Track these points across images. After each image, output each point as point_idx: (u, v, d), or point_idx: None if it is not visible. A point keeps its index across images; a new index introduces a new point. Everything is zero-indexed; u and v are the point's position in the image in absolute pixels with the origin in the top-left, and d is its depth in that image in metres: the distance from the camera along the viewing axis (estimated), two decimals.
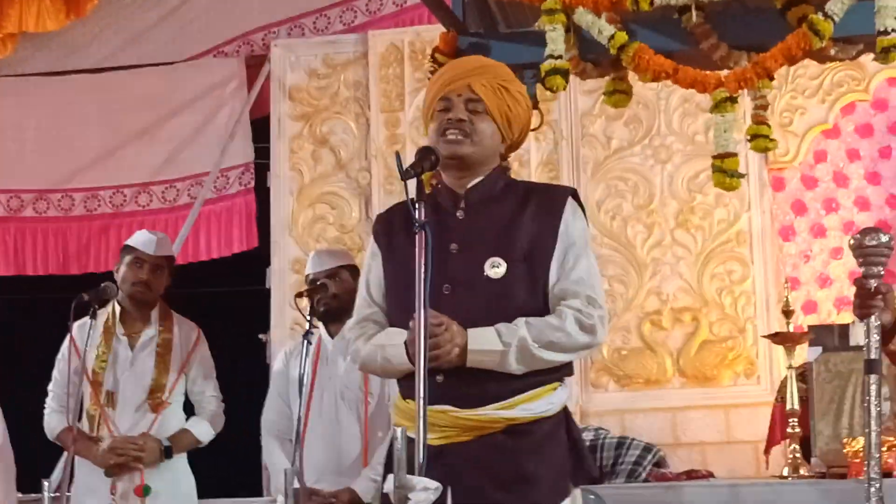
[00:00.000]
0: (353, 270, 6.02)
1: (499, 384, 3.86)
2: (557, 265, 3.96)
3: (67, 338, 6.38)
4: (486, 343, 3.83)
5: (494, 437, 3.88)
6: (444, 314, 3.79)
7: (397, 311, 4.01)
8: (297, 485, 5.79)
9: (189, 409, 6.57)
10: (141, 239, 6.46)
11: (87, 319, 6.26)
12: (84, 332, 6.26)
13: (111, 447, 6.19)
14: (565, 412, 4.04)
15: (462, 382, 3.80)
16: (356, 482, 5.76)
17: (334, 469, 5.85)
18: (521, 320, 3.87)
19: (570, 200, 4.07)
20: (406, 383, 3.95)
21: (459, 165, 4.02)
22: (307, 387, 5.98)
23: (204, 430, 6.47)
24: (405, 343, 3.89)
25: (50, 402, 6.45)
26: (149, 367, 6.37)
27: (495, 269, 3.92)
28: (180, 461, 6.46)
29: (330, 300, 5.96)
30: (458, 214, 4.01)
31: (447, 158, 3.98)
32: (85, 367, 6.30)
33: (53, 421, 6.42)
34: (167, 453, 6.30)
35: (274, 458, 6.16)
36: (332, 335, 6.01)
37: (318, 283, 6.01)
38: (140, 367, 6.37)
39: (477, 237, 3.98)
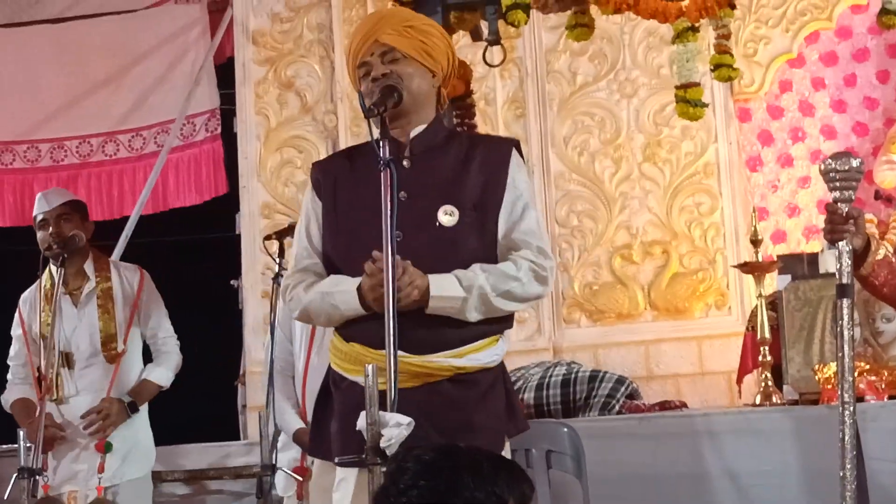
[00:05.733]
0: None
1: (450, 332, 3.87)
2: (506, 216, 3.97)
3: (17, 311, 6.35)
4: (447, 289, 3.83)
5: (441, 385, 3.89)
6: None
7: (345, 256, 3.98)
8: (299, 425, 5.76)
9: (148, 355, 6.47)
10: (36, 204, 6.40)
11: (30, 289, 6.25)
12: (27, 302, 6.27)
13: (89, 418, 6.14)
14: (502, 365, 4.07)
15: (414, 329, 3.77)
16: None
17: None
18: (476, 267, 3.88)
19: (514, 152, 4.07)
20: (349, 324, 3.95)
21: (397, 114, 3.98)
22: (284, 328, 5.94)
23: (162, 376, 6.36)
24: (358, 288, 3.87)
25: (9, 376, 6.43)
26: (95, 319, 6.26)
27: (448, 216, 3.91)
28: (137, 413, 6.34)
29: None
30: (404, 163, 3.97)
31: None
32: (32, 334, 6.26)
33: (8, 393, 6.39)
34: (132, 408, 6.23)
35: (279, 401, 6.05)
36: None
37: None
38: (88, 321, 6.25)
39: (426, 185, 3.96)
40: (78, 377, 6.22)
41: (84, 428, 6.13)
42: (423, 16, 4.23)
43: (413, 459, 2.48)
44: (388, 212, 3.65)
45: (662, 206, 8.78)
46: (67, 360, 6.20)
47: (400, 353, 3.71)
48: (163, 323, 6.42)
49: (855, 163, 4.08)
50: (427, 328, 3.83)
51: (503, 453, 3.98)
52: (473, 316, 3.88)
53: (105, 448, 6.14)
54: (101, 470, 6.12)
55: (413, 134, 4.03)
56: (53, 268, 6.20)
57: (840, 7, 8.89)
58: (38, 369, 6.14)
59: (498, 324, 4.01)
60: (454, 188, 3.97)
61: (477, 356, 3.93)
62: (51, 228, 6.20)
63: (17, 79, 9.79)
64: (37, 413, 6.01)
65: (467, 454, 2.49)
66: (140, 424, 6.34)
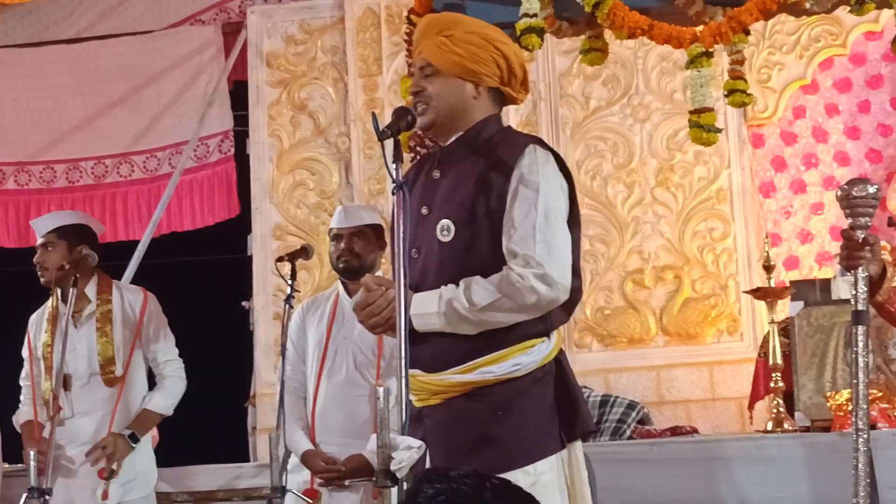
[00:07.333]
0: (379, 230, 5.92)
1: (456, 349, 3.82)
2: (508, 222, 3.85)
3: (26, 332, 6.35)
4: (424, 307, 3.79)
5: (456, 401, 3.83)
6: (412, 279, 3.77)
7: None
8: (308, 446, 5.75)
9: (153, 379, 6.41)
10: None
11: (39, 310, 6.25)
12: (34, 323, 6.26)
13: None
14: (554, 367, 3.92)
15: (425, 347, 3.76)
16: (367, 449, 5.66)
17: (345, 430, 5.75)
18: (463, 281, 3.80)
19: (528, 150, 3.93)
20: None
21: (435, 134, 4.01)
22: (298, 349, 5.91)
23: (161, 404, 6.28)
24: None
25: (21, 397, 6.42)
26: (94, 341, 6.21)
27: (444, 232, 3.88)
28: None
29: (351, 258, 5.73)
30: (433, 175, 3.99)
31: (423, 131, 3.99)
32: (36, 355, 6.26)
33: (18, 414, 6.38)
34: (133, 440, 6.14)
35: (290, 421, 6.01)
36: (350, 294, 5.73)
37: (334, 234, 5.89)
38: (86, 344, 6.19)
39: (442, 199, 3.94)
40: (75, 399, 6.18)
41: (91, 464, 6.11)
42: (471, 19, 4.13)
43: (428, 483, 2.46)
44: (400, 235, 3.62)
45: (675, 231, 8.78)
46: (65, 381, 6.17)
47: (417, 372, 3.76)
48: (165, 346, 6.33)
49: (871, 189, 4.05)
50: (434, 346, 3.80)
51: (561, 460, 3.88)
52: (465, 330, 3.80)
53: (107, 475, 6.10)
54: (105, 497, 6.08)
55: (447, 143, 4.02)
56: (59, 289, 6.20)
57: (854, 34, 8.89)
58: (46, 390, 6.13)
59: (517, 332, 3.86)
60: (457, 200, 3.91)
61: (491, 368, 3.83)
62: (39, 258, 6.20)
63: (34, 99, 9.83)
64: (39, 435, 6.01)
65: (479, 482, 2.45)
66: (139, 448, 6.29)
